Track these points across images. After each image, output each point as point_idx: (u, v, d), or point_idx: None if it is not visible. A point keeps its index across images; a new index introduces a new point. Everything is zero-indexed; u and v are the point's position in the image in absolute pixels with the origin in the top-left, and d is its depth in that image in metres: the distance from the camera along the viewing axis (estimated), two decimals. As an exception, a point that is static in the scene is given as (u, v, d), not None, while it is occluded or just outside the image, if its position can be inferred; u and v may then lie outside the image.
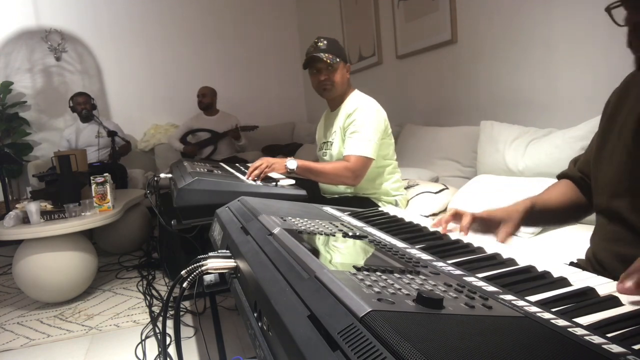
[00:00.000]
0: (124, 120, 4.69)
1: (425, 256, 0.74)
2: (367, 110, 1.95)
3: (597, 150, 0.90)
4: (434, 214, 2.08)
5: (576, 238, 1.60)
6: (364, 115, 1.93)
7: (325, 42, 2.00)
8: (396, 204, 2.04)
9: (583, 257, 0.94)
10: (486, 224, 0.94)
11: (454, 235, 0.90)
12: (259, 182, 1.85)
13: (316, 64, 1.99)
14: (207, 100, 4.39)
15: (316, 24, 5.00)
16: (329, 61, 1.95)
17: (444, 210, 2.11)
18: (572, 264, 0.88)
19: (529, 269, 0.69)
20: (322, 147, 2.19)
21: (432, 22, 2.96)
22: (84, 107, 4.04)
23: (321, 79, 2.01)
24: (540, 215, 0.99)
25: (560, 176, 1.08)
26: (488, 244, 0.83)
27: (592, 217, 1.55)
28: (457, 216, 0.94)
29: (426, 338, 0.40)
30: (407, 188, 2.19)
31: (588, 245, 0.93)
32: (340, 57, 2.00)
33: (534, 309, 0.53)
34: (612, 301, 0.57)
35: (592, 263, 0.88)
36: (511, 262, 0.73)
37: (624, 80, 0.90)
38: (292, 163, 1.93)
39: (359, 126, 1.92)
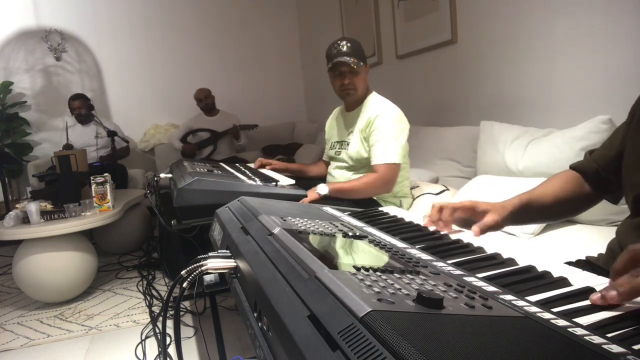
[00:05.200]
0: (123, 120, 4.69)
1: (425, 256, 0.74)
2: (389, 117, 1.93)
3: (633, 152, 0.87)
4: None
5: (576, 238, 1.60)
6: (385, 122, 1.91)
7: (348, 44, 1.96)
8: (400, 205, 2.03)
9: (582, 257, 0.93)
10: (469, 213, 0.95)
11: (454, 236, 0.90)
12: (259, 182, 1.85)
13: (340, 67, 1.95)
14: (210, 101, 4.41)
15: (316, 24, 5.00)
16: (354, 67, 1.92)
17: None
18: (570, 263, 0.88)
19: (529, 269, 0.69)
20: (335, 145, 2.16)
21: (432, 22, 2.96)
22: (79, 111, 4.06)
23: (345, 82, 1.97)
24: (534, 212, 0.99)
25: (572, 166, 1.06)
26: (488, 244, 0.83)
27: (592, 217, 1.53)
28: (442, 210, 0.95)
29: (426, 338, 0.40)
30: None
31: (588, 245, 0.92)
32: (363, 61, 1.97)
33: (534, 309, 0.53)
34: (612, 301, 0.57)
35: (614, 253, 0.86)
36: (511, 262, 0.73)
37: None
38: (323, 189, 1.89)
39: (382, 133, 1.90)
